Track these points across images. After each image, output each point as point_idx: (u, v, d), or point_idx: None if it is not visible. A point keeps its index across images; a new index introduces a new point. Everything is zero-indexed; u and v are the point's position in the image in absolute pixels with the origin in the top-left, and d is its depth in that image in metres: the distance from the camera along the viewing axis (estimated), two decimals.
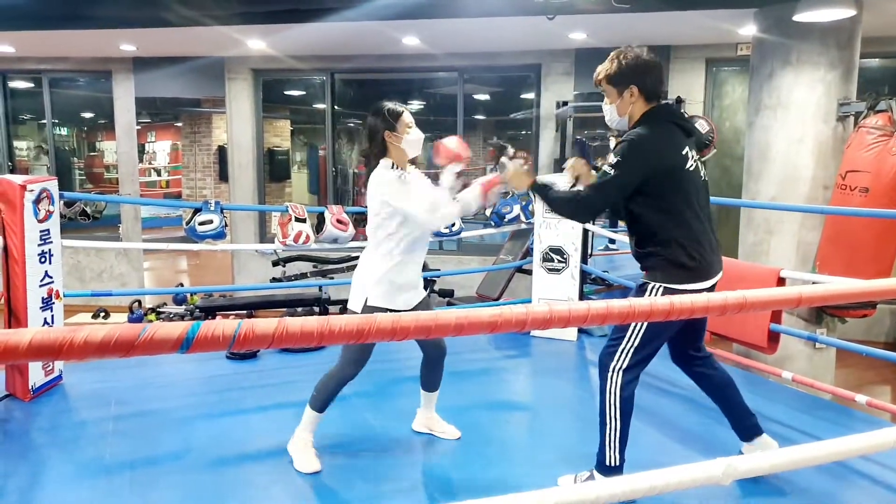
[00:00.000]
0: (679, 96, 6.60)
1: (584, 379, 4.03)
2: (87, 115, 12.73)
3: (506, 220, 5.07)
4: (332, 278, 6.93)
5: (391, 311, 2.59)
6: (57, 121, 9.29)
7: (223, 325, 0.81)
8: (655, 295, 2.35)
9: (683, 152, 2.32)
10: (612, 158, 2.32)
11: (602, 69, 2.44)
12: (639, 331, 2.35)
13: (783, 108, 4.47)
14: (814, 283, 3.41)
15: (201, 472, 2.63)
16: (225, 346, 0.82)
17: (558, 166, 6.71)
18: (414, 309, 2.67)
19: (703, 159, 2.39)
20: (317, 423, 2.70)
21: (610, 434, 2.39)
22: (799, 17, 4.10)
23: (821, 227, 4.31)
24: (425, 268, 7.03)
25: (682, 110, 6.53)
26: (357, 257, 6.91)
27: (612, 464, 2.39)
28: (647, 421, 3.26)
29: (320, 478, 2.62)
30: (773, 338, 3.37)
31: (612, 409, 2.38)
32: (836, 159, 4.31)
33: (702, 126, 6.50)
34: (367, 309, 2.60)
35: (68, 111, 11.13)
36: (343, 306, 6.93)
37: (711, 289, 2.37)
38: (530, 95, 7.94)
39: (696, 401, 3.50)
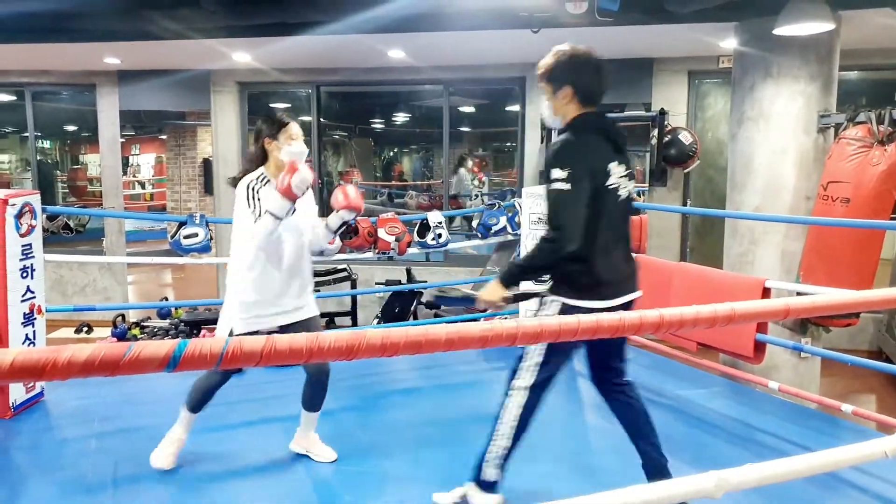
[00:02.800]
0: (662, 108, 6.68)
1: (572, 390, 4.02)
2: (71, 127, 12.63)
3: (492, 231, 5.07)
4: (318, 291, 6.90)
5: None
6: (40, 134, 9.20)
7: (210, 343, 0.80)
8: (549, 308, 2.27)
9: (607, 168, 2.21)
10: (557, 174, 2.15)
11: (542, 64, 2.30)
12: (540, 348, 2.26)
13: (765, 119, 4.53)
14: (798, 293, 3.44)
15: (187, 489, 2.59)
16: (212, 364, 0.81)
17: (543, 178, 6.74)
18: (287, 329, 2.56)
19: (626, 172, 2.28)
20: (191, 423, 2.68)
21: (496, 449, 2.30)
22: (778, 31, 4.17)
23: (804, 238, 4.36)
24: (413, 279, 7.05)
25: (666, 123, 6.61)
26: (343, 269, 6.92)
27: (491, 479, 2.30)
28: None
29: (306, 494, 2.59)
30: (760, 348, 3.40)
31: (507, 426, 2.29)
32: (818, 170, 4.37)
33: (685, 138, 6.57)
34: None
35: (51, 124, 11.04)
36: (330, 319, 6.92)
37: (627, 307, 2.26)
38: (515, 108, 7.98)
39: (684, 411, 3.51)
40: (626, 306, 2.27)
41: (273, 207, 2.46)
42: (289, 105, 10.75)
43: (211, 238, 4.50)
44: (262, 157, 2.65)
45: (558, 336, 1.27)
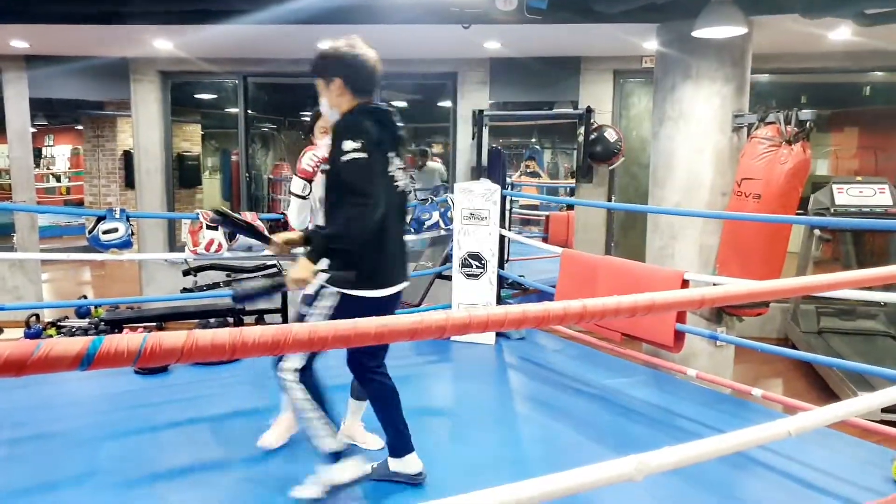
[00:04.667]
0: (589, 106, 6.85)
1: (503, 382, 4.10)
2: None
3: (425, 226, 5.09)
4: None
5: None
6: None
7: (128, 340, 0.77)
8: (327, 299, 2.31)
9: (388, 155, 2.28)
10: (350, 144, 2.16)
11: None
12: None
13: (685, 119, 4.73)
14: (714, 284, 3.61)
15: (108, 494, 2.49)
16: (130, 361, 0.78)
17: (475, 174, 6.81)
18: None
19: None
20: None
21: (315, 427, 2.31)
22: (696, 34, 4.35)
23: (720, 232, 4.58)
24: None
25: (592, 120, 6.80)
26: (273, 265, 6.78)
27: (334, 448, 2.33)
28: (563, 421, 3.36)
29: (235, 495, 2.54)
30: (679, 337, 3.55)
31: (306, 404, 2.32)
32: (732, 167, 4.59)
33: (611, 135, 6.77)
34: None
35: None
36: (259, 316, 6.77)
37: (393, 298, 2.34)
38: (447, 103, 8.02)
39: (609, 399, 3.64)
40: (399, 295, 2.42)
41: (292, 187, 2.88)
42: (215, 96, 10.43)
43: (132, 233, 4.33)
44: None
45: (486, 327, 1.29)
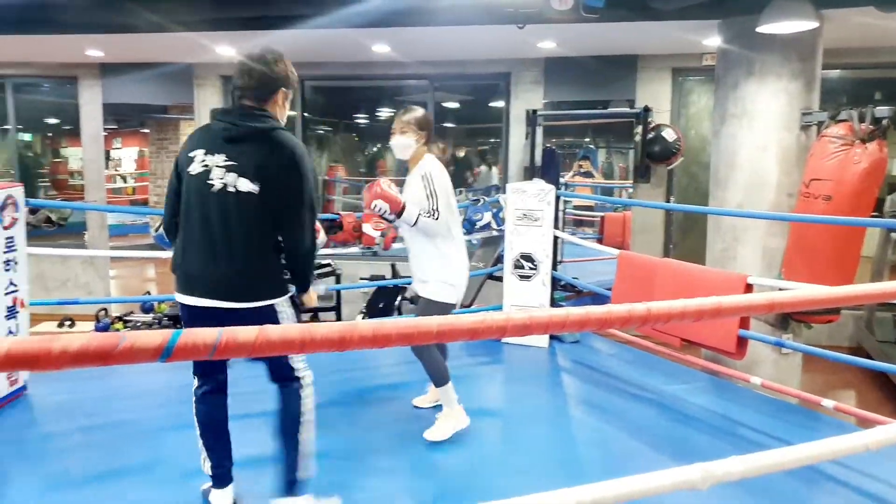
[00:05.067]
0: (647, 105, 6.72)
1: (556, 385, 4.06)
2: (52, 120, 12.44)
3: (476, 227, 5.08)
4: None
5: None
6: (21, 126, 9.06)
7: (204, 334, 0.80)
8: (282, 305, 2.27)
9: (193, 154, 2.18)
10: None
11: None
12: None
13: (748, 116, 4.58)
14: (780, 289, 3.48)
15: (171, 484, 2.57)
16: (206, 354, 0.81)
17: (527, 174, 6.76)
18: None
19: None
20: (453, 392, 3.11)
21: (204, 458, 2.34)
22: (761, 29, 4.21)
23: (786, 234, 4.42)
24: (397, 274, 7.04)
25: (650, 119, 6.66)
26: (328, 264, 6.90)
27: (208, 472, 2.34)
28: (618, 426, 3.30)
29: None
30: (742, 343, 3.43)
31: (201, 435, 2.33)
32: (800, 167, 4.43)
33: (669, 134, 6.62)
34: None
35: (32, 117, 10.86)
36: (314, 314, 6.89)
37: (199, 312, 2.16)
38: (500, 104, 7.99)
39: (666, 406, 3.55)
40: (203, 312, 2.15)
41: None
42: None
43: None
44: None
45: (547, 328, 1.27)
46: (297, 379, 2.32)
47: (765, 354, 4.44)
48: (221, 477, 2.33)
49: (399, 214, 2.90)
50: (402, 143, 3.04)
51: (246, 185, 2.11)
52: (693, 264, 4.16)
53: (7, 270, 3.20)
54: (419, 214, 2.90)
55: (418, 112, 3.07)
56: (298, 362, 2.34)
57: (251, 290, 2.16)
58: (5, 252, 3.18)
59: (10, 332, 3.23)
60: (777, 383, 3.75)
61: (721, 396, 3.71)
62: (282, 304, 2.23)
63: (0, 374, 3.18)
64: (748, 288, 3.43)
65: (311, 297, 2.42)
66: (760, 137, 4.54)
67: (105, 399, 3.43)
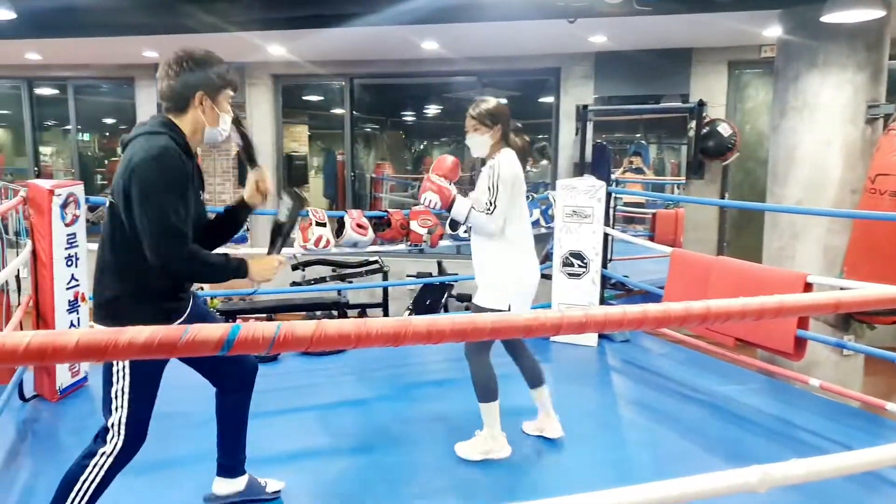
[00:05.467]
0: (701, 99, 6.55)
1: (606, 384, 4.00)
2: (109, 120, 12.90)
3: None
4: (351, 282, 6.95)
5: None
6: (80, 127, 9.42)
7: (263, 328, 0.81)
8: None
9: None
10: None
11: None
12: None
13: (810, 109, 4.41)
14: (842, 288, 3.35)
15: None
16: (265, 347, 0.82)
17: (577, 170, 6.68)
18: None
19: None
20: (496, 411, 2.93)
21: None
22: (826, 19, 4.05)
23: (848, 232, 4.24)
24: (444, 272, 7.05)
25: (704, 114, 6.49)
26: (375, 261, 6.96)
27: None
28: (670, 427, 3.23)
29: (339, 483, 2.62)
30: (800, 344, 3.31)
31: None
32: (865, 162, 4.24)
33: (724, 129, 6.44)
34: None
35: (91, 117, 11.28)
36: (361, 310, 6.97)
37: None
38: (549, 99, 7.91)
39: (720, 407, 3.46)
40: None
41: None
42: (321, 97, 10.84)
43: (247, 229, 4.56)
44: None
45: (603, 326, 1.25)
46: (104, 439, 2.08)
47: (824, 356, 4.28)
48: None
49: (449, 208, 2.79)
50: (475, 142, 2.78)
51: (110, 199, 2.01)
52: (749, 263, 4.04)
53: (69, 266, 3.33)
54: (471, 209, 2.74)
55: (490, 103, 2.77)
56: (119, 424, 2.07)
57: (117, 314, 2.03)
58: (67, 248, 3.31)
59: (73, 325, 3.36)
60: (838, 385, 3.61)
61: (777, 398, 3.60)
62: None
63: (63, 365, 3.31)
64: (808, 287, 3.30)
65: (271, 261, 2.32)
66: (823, 131, 4.38)
67: (160, 390, 3.53)
